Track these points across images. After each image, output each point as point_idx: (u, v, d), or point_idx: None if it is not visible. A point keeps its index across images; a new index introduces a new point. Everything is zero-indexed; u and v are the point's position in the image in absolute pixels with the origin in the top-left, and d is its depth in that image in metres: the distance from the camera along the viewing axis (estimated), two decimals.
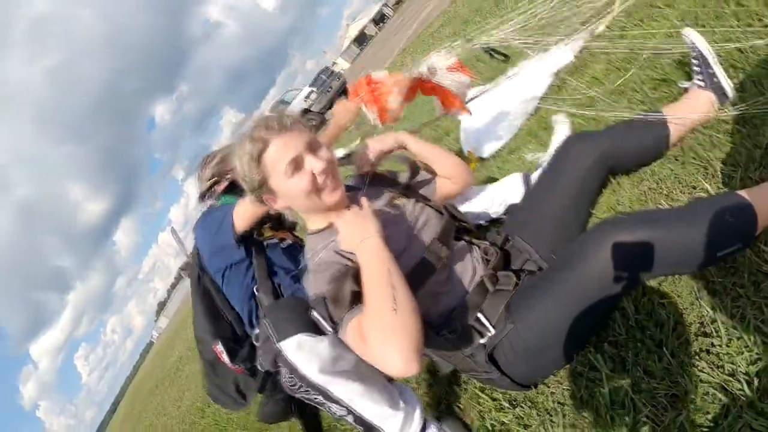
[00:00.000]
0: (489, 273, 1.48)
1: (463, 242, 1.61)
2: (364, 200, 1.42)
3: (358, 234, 1.30)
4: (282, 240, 2.15)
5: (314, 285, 1.35)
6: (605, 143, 1.57)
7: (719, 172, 1.43)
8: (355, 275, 1.26)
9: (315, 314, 1.34)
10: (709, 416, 1.05)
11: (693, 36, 1.69)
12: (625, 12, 2.68)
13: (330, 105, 16.07)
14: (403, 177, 1.72)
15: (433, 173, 1.74)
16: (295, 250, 2.12)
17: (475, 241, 1.63)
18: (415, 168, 1.73)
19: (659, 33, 2.25)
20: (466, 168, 1.76)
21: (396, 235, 1.45)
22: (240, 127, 1.42)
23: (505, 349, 1.35)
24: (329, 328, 1.31)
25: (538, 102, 2.82)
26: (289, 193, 1.40)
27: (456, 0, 9.68)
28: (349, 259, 1.36)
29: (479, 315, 1.41)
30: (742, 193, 1.17)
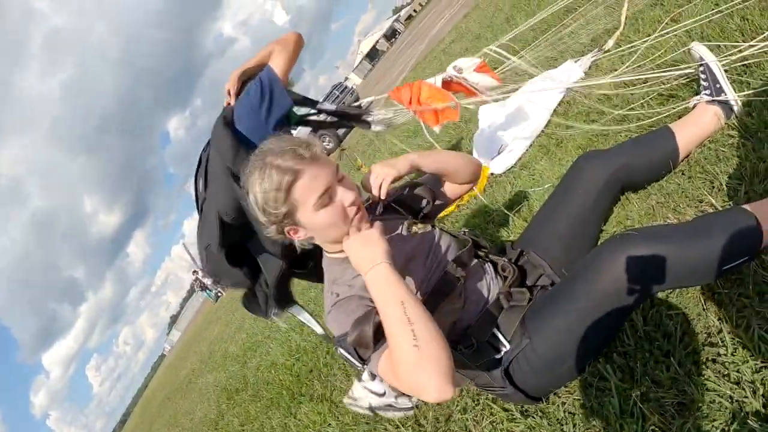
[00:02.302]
0: (505, 290, 1.50)
1: (478, 260, 1.59)
2: (375, 225, 1.35)
3: (367, 261, 1.25)
4: None
5: (338, 324, 1.34)
6: (618, 164, 1.59)
7: (725, 186, 1.47)
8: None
9: (342, 351, 1.33)
10: (716, 423, 1.07)
11: (701, 50, 1.72)
12: (632, 28, 2.72)
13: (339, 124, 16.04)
14: (423, 203, 1.66)
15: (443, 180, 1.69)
16: None
17: (491, 257, 1.62)
18: (434, 196, 1.67)
19: (667, 48, 2.29)
20: (478, 164, 1.72)
21: (415, 267, 1.46)
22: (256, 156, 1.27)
23: (520, 364, 1.37)
24: (358, 364, 1.30)
25: (549, 118, 2.86)
26: (318, 225, 1.34)
27: (468, 15, 9.78)
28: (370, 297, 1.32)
29: (495, 331, 1.43)
30: (748, 207, 1.20)
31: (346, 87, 20.57)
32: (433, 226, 1.63)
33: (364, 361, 1.27)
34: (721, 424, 1.07)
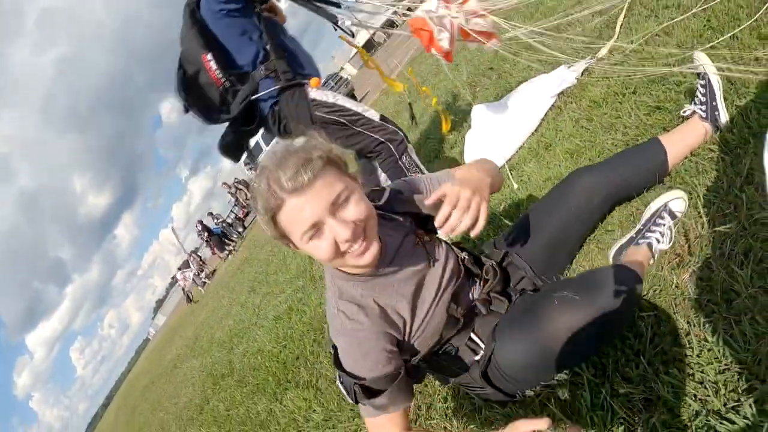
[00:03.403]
0: (483, 298, 1.49)
1: (465, 271, 1.53)
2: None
3: None
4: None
5: (350, 359, 1.29)
6: (612, 186, 1.63)
7: (702, 197, 1.54)
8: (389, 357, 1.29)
9: (340, 386, 1.32)
10: (679, 419, 1.15)
11: (705, 62, 1.72)
12: (626, 38, 2.79)
13: None
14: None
15: None
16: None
17: (477, 269, 1.55)
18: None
19: (659, 60, 2.37)
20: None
21: (425, 297, 1.40)
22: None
23: (493, 368, 1.38)
24: (350, 400, 1.30)
25: (540, 121, 2.93)
26: (310, 254, 1.23)
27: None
28: (388, 332, 1.31)
29: (472, 335, 1.46)
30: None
31: (341, 78, 20.47)
32: (437, 239, 1.54)
33: (357, 401, 1.28)
34: (684, 420, 1.15)
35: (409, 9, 2.31)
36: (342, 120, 2.59)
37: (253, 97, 2.58)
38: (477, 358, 1.44)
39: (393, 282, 1.37)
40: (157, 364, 14.13)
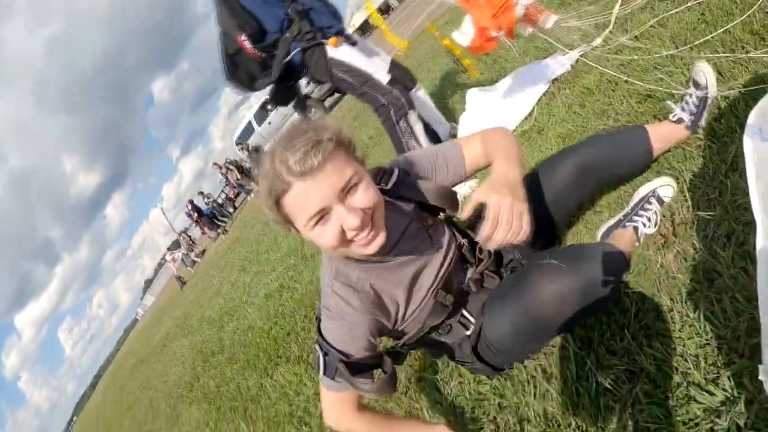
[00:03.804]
0: (475, 278, 1.48)
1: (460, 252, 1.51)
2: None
3: None
4: None
5: (336, 339, 1.28)
6: (587, 155, 1.57)
7: (688, 182, 1.60)
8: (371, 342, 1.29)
9: (319, 353, 1.29)
10: (660, 390, 1.22)
11: (708, 75, 1.71)
12: (621, 28, 2.83)
13: (331, 92, 15.89)
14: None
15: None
16: None
17: (472, 257, 1.51)
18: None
19: (652, 53, 2.41)
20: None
21: (424, 281, 1.39)
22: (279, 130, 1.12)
23: (482, 342, 1.41)
24: (320, 372, 1.28)
25: (533, 106, 2.98)
26: (314, 241, 1.19)
27: (449, 22, 9.72)
28: (378, 320, 1.32)
29: (464, 311, 1.47)
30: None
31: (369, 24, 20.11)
32: (440, 222, 1.50)
33: (326, 374, 1.27)
34: (665, 391, 1.21)
35: None
36: (351, 80, 2.86)
37: (285, 60, 2.83)
38: (468, 333, 1.46)
39: (392, 267, 1.35)
40: (145, 343, 14.12)
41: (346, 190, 1.12)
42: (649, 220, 1.59)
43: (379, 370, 1.33)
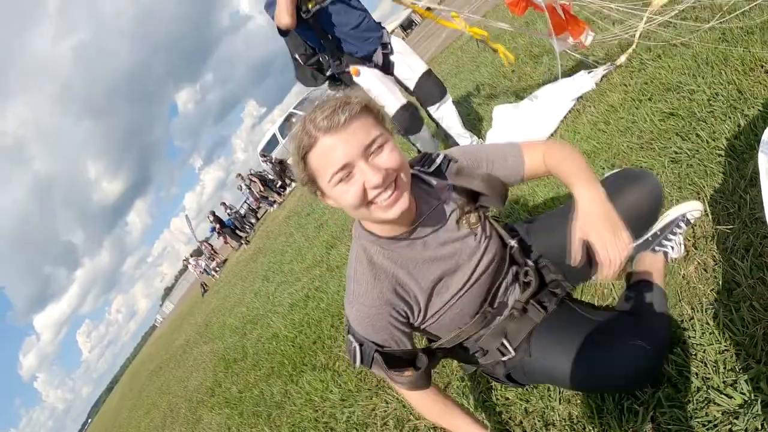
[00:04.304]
0: (522, 302, 1.45)
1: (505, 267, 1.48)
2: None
3: None
4: None
5: (360, 327, 1.29)
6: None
7: (709, 197, 1.67)
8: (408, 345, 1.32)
9: (353, 340, 1.31)
10: (682, 393, 1.28)
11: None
12: (644, 47, 2.90)
13: None
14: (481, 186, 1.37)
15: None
16: None
17: (515, 257, 1.49)
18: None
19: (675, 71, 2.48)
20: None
21: (452, 282, 1.36)
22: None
23: (518, 371, 1.46)
24: (357, 363, 1.30)
25: (559, 123, 3.06)
26: (337, 200, 1.19)
27: (486, 15, 9.80)
28: (399, 313, 1.30)
29: (503, 340, 1.45)
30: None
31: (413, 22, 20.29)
32: (484, 220, 1.44)
33: (363, 363, 1.29)
34: (686, 394, 1.28)
35: None
36: None
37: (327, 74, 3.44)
38: (504, 359, 1.46)
39: (419, 259, 1.31)
40: (165, 349, 14.07)
41: (371, 150, 1.13)
42: (678, 244, 1.60)
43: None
